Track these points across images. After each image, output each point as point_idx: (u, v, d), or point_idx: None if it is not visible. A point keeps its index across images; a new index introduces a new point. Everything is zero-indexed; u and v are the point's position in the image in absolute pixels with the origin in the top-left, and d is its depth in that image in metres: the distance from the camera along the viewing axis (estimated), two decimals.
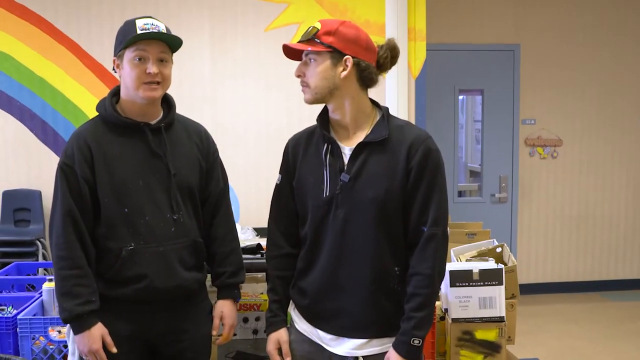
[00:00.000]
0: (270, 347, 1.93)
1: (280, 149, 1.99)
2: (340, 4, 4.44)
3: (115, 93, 2.00)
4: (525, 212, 5.69)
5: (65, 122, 4.35)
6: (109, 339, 1.90)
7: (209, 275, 2.14)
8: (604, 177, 5.75)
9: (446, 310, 2.33)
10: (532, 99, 5.59)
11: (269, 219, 2.00)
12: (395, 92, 4.32)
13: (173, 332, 1.99)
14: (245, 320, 2.95)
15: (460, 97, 5.74)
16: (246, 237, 3.42)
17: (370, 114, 1.85)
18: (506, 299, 2.30)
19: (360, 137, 1.82)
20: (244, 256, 2.28)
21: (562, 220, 5.74)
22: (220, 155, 2.16)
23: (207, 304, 2.12)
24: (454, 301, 2.24)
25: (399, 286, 1.81)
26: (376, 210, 1.77)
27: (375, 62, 1.81)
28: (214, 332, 2.07)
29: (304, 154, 1.90)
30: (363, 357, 1.82)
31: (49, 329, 2.31)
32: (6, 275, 2.95)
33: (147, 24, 1.88)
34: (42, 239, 4.24)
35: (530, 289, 5.58)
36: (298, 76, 1.83)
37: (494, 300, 2.23)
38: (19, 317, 2.32)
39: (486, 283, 2.22)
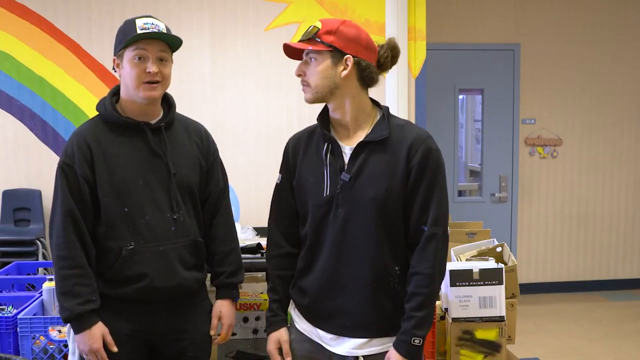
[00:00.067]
0: (271, 346, 1.93)
1: (280, 149, 1.99)
2: (340, 4, 4.43)
3: (115, 92, 2.00)
4: (525, 211, 5.69)
5: (65, 121, 4.35)
6: (109, 338, 1.90)
7: (209, 275, 2.14)
8: (604, 176, 5.75)
9: (446, 309, 2.33)
10: (532, 98, 5.59)
11: (269, 218, 2.00)
12: (395, 92, 4.32)
13: (173, 332, 1.99)
14: (246, 319, 2.95)
15: (460, 97, 5.74)
16: (246, 236, 3.42)
17: (371, 114, 1.85)
18: (506, 298, 2.30)
19: (360, 136, 1.82)
20: (244, 256, 2.28)
21: (562, 220, 5.74)
22: (220, 154, 2.16)
23: (207, 303, 2.12)
24: (454, 301, 2.24)
25: (399, 286, 1.81)
26: (376, 209, 1.77)
27: (376, 61, 1.81)
28: (212, 332, 2.07)
29: (304, 154, 1.90)
30: (363, 356, 1.82)
31: (49, 328, 2.31)
32: (6, 274, 2.95)
33: (147, 23, 1.88)
34: (42, 239, 4.24)
35: (530, 289, 5.58)
36: (298, 75, 1.83)
37: (494, 299, 2.23)
38: (19, 316, 2.32)
39: (486, 282, 2.22)
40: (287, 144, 1.97)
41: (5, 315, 2.34)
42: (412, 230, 1.80)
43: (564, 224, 5.75)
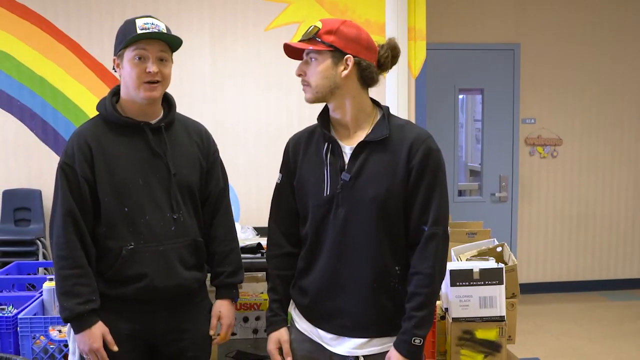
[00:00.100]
0: (271, 346, 1.93)
1: (280, 149, 1.99)
2: (340, 4, 4.44)
3: (116, 92, 2.00)
4: (525, 211, 5.69)
5: (65, 121, 4.35)
6: (109, 338, 1.90)
7: (209, 275, 2.14)
8: (604, 176, 5.75)
9: (446, 309, 2.33)
10: (532, 98, 5.59)
11: (269, 218, 2.00)
12: (395, 92, 4.32)
13: (173, 332, 1.99)
14: (246, 319, 2.95)
15: (460, 97, 5.74)
16: (246, 236, 3.42)
17: (371, 113, 1.85)
18: (506, 298, 2.30)
19: (360, 136, 1.82)
20: (244, 256, 2.28)
21: (562, 220, 5.74)
22: (220, 154, 2.16)
23: (208, 303, 2.12)
24: (455, 300, 2.24)
25: (399, 285, 1.82)
26: (377, 209, 1.77)
27: (376, 61, 1.81)
28: (212, 332, 2.07)
29: (304, 153, 1.90)
30: (364, 356, 1.82)
31: (50, 328, 2.31)
32: (6, 274, 2.95)
33: (147, 23, 1.88)
34: (42, 239, 4.25)
35: (531, 289, 5.58)
36: (299, 75, 1.83)
37: (494, 299, 2.23)
38: (19, 316, 2.32)
39: (486, 282, 2.22)
40: (288, 143, 1.97)
41: (6, 315, 2.34)
42: (413, 230, 1.80)
43: (564, 224, 5.75)
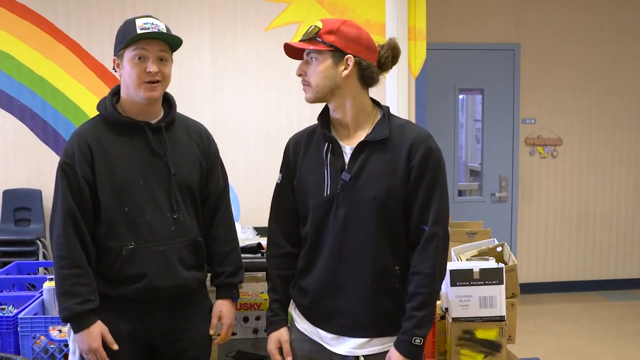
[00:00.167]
0: (271, 346, 1.93)
1: (280, 149, 1.99)
2: (340, 4, 4.44)
3: (116, 92, 2.00)
4: (525, 211, 5.69)
5: (65, 121, 4.35)
6: (109, 337, 1.90)
7: (209, 275, 2.14)
8: (604, 176, 5.75)
9: (447, 309, 2.33)
10: (532, 98, 5.59)
11: (269, 218, 2.00)
12: (395, 92, 4.32)
13: (173, 332, 1.99)
14: (246, 319, 2.95)
15: (461, 97, 5.74)
16: (246, 236, 3.43)
17: (371, 113, 1.86)
18: (506, 298, 2.30)
19: (361, 136, 1.82)
20: (244, 255, 2.28)
21: (562, 220, 5.74)
22: (220, 154, 2.16)
23: (208, 303, 2.12)
24: (455, 300, 2.24)
25: (399, 285, 1.82)
26: (377, 209, 1.77)
27: (377, 61, 1.81)
28: (212, 331, 2.07)
29: (304, 153, 1.90)
30: (364, 356, 1.82)
31: (50, 328, 2.31)
32: (7, 274, 2.95)
33: (147, 23, 1.88)
34: (42, 238, 4.24)
35: (531, 289, 5.58)
36: (299, 75, 1.83)
37: (494, 299, 2.23)
38: (19, 316, 2.32)
39: (487, 282, 2.22)
40: (288, 143, 1.97)
41: (6, 314, 2.34)
42: (413, 230, 1.80)
43: (564, 224, 5.75)
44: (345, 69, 1.76)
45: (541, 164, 5.67)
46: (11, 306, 2.50)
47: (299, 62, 1.85)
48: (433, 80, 5.11)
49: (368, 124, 1.84)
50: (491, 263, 2.30)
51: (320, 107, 1.90)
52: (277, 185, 1.98)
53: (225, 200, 2.14)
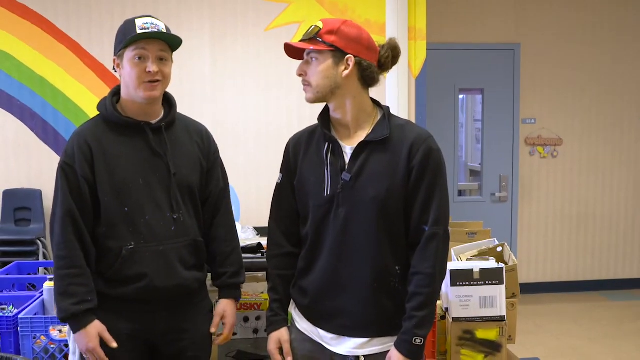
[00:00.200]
0: (271, 346, 1.93)
1: (280, 149, 1.99)
2: (340, 4, 4.44)
3: (116, 92, 2.00)
4: (525, 211, 5.69)
5: (65, 121, 4.35)
6: (106, 335, 1.89)
7: (209, 275, 2.15)
8: (604, 176, 5.75)
9: (447, 309, 2.33)
10: (533, 98, 5.59)
11: (269, 218, 2.00)
12: (395, 92, 4.32)
13: (173, 331, 1.99)
14: (246, 319, 2.95)
15: (461, 97, 5.74)
16: (247, 236, 3.42)
17: (372, 113, 1.86)
18: (507, 298, 2.30)
19: (361, 136, 1.82)
20: (244, 255, 2.28)
21: (562, 220, 5.75)
22: (220, 154, 2.16)
23: (208, 303, 2.12)
24: (455, 300, 2.24)
25: (400, 285, 1.82)
26: (377, 209, 1.77)
27: (377, 61, 1.81)
28: (213, 330, 2.07)
29: (304, 153, 1.90)
30: (364, 356, 1.82)
31: (50, 328, 2.31)
32: (7, 274, 2.95)
33: (147, 23, 1.88)
34: (42, 238, 4.25)
35: (531, 289, 5.58)
36: (300, 75, 1.83)
37: (494, 299, 2.23)
38: (20, 316, 2.32)
39: (487, 282, 2.22)
40: (288, 143, 1.97)
41: (6, 315, 2.34)
42: (413, 230, 1.80)
43: (564, 224, 5.75)
44: (345, 69, 1.76)
45: (541, 164, 5.68)
46: (11, 306, 2.50)
47: (299, 62, 1.85)
48: (433, 80, 5.11)
49: (368, 124, 1.84)
50: (491, 263, 2.30)
51: (320, 107, 1.90)
52: (278, 185, 1.98)
53: (226, 201, 2.14)
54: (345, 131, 1.86)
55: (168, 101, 2.05)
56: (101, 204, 1.91)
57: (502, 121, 5.57)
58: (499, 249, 2.69)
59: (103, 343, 1.90)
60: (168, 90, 2.03)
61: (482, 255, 2.61)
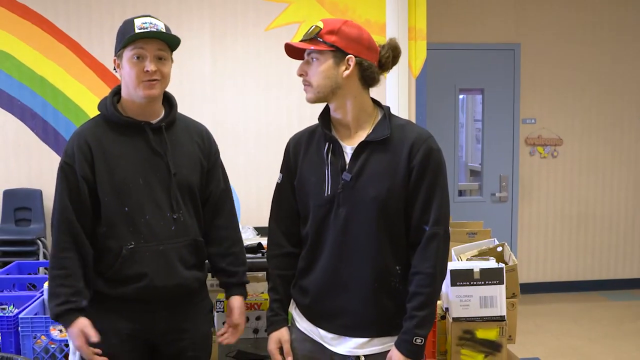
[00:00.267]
0: (272, 346, 1.93)
1: (280, 149, 1.99)
2: (340, 4, 4.44)
3: (117, 92, 2.01)
4: (525, 211, 5.69)
5: (66, 121, 4.35)
6: (88, 330, 1.86)
7: (209, 275, 2.15)
8: (604, 176, 5.75)
9: (447, 309, 2.33)
10: (533, 98, 5.59)
11: (269, 218, 2.00)
12: (395, 92, 4.32)
13: (173, 331, 1.99)
14: (246, 319, 2.94)
15: (461, 97, 5.74)
16: (247, 236, 3.42)
17: (372, 113, 1.86)
18: (507, 298, 2.31)
19: (361, 136, 1.82)
20: None
21: (562, 220, 5.75)
22: (221, 154, 2.16)
23: (208, 303, 2.12)
24: (455, 300, 2.24)
25: (400, 285, 1.82)
26: (377, 209, 1.77)
27: (377, 61, 1.81)
28: (240, 322, 2.07)
29: (305, 153, 1.90)
30: (364, 356, 1.82)
31: (51, 328, 2.32)
32: (7, 274, 2.95)
33: (146, 22, 1.88)
34: (42, 238, 4.25)
35: (531, 288, 5.58)
36: (300, 75, 1.83)
37: (494, 299, 2.23)
38: (20, 316, 2.33)
39: (487, 282, 2.22)
40: (288, 143, 1.97)
41: (7, 314, 2.35)
42: (414, 229, 1.80)
43: (564, 224, 5.75)
44: (346, 69, 1.77)
45: (541, 164, 5.68)
46: (12, 306, 2.51)
47: (299, 62, 1.85)
48: (433, 80, 5.11)
49: (369, 124, 1.84)
50: (491, 263, 2.30)
51: (320, 107, 1.90)
52: (278, 185, 1.98)
53: (230, 201, 2.14)
54: (345, 131, 1.86)
55: (168, 101, 2.05)
56: (101, 203, 1.91)
57: (502, 121, 5.57)
58: (499, 249, 2.69)
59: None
60: (168, 90, 2.03)
61: (482, 255, 2.61)
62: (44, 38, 4.29)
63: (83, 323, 1.87)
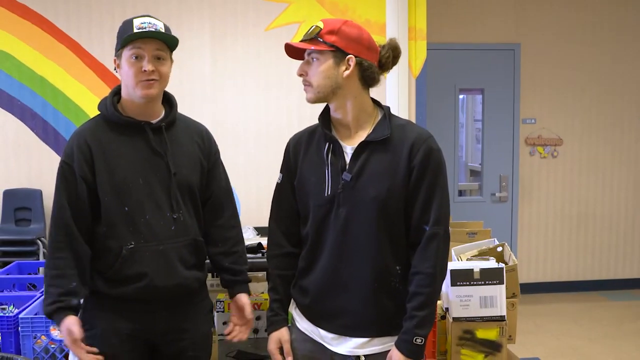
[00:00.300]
0: (272, 346, 1.93)
1: (280, 149, 1.99)
2: (340, 4, 4.44)
3: (117, 92, 2.01)
4: (525, 211, 5.69)
5: (66, 121, 4.35)
6: (74, 328, 1.84)
7: (209, 275, 2.15)
8: (604, 176, 5.76)
9: (447, 309, 2.33)
10: (533, 98, 5.59)
11: (269, 218, 2.00)
12: (395, 92, 4.32)
13: (173, 331, 1.99)
14: None
15: (461, 97, 5.74)
16: (247, 236, 3.43)
17: (372, 113, 1.86)
18: (507, 298, 2.31)
19: (362, 136, 1.82)
20: None
21: (562, 220, 5.75)
22: (221, 154, 2.16)
23: (208, 302, 2.12)
24: (455, 300, 2.24)
25: (400, 285, 1.82)
26: (378, 209, 1.77)
27: (377, 61, 1.81)
28: (249, 314, 2.08)
29: (305, 153, 1.90)
30: (364, 356, 1.82)
31: (51, 327, 2.32)
32: (7, 274, 2.95)
33: (144, 22, 1.88)
34: (42, 238, 4.25)
35: (531, 288, 5.59)
36: (300, 75, 1.83)
37: (494, 299, 2.23)
38: (20, 316, 2.33)
39: (487, 282, 2.23)
40: (288, 143, 1.97)
41: (7, 314, 2.35)
42: (414, 229, 1.80)
43: (564, 224, 5.75)
44: (346, 69, 1.77)
45: (541, 164, 5.68)
46: (12, 306, 2.51)
47: (299, 62, 1.85)
48: (433, 80, 5.12)
49: (369, 124, 1.84)
50: (491, 263, 2.30)
51: (320, 107, 1.90)
52: (278, 185, 1.98)
53: (232, 201, 2.15)
54: (345, 131, 1.86)
55: (168, 101, 2.05)
56: (101, 203, 1.91)
57: (502, 121, 5.57)
58: (499, 249, 2.69)
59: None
60: (168, 90, 2.03)
61: (482, 255, 2.61)
62: (44, 38, 4.29)
63: (70, 321, 1.87)
